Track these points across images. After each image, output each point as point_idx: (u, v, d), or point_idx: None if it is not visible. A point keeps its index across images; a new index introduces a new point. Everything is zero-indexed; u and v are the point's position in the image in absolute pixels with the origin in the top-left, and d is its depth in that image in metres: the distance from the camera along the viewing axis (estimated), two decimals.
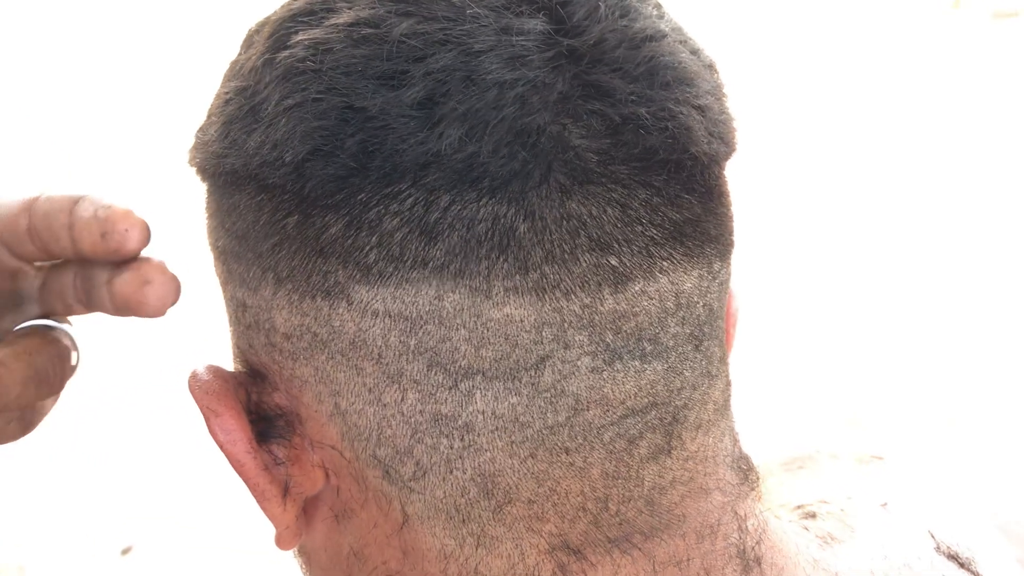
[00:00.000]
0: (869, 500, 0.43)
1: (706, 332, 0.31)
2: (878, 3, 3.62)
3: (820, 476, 0.47)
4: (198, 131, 0.32)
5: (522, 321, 0.28)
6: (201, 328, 2.15)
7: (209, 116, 0.31)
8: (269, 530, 0.32)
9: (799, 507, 0.42)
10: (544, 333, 0.28)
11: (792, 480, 0.47)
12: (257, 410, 0.32)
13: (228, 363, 0.34)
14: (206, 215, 0.33)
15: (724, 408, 0.33)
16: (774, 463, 0.49)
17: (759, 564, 0.33)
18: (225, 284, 0.32)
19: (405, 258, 0.27)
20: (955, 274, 2.30)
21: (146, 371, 2.07)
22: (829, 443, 0.51)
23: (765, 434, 0.36)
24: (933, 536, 0.41)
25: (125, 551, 1.69)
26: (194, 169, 0.32)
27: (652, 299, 0.29)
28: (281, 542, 0.33)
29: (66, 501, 1.71)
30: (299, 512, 0.32)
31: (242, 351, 0.32)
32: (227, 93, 0.30)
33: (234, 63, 0.31)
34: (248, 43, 0.31)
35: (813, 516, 0.41)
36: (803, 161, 2.85)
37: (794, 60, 3.30)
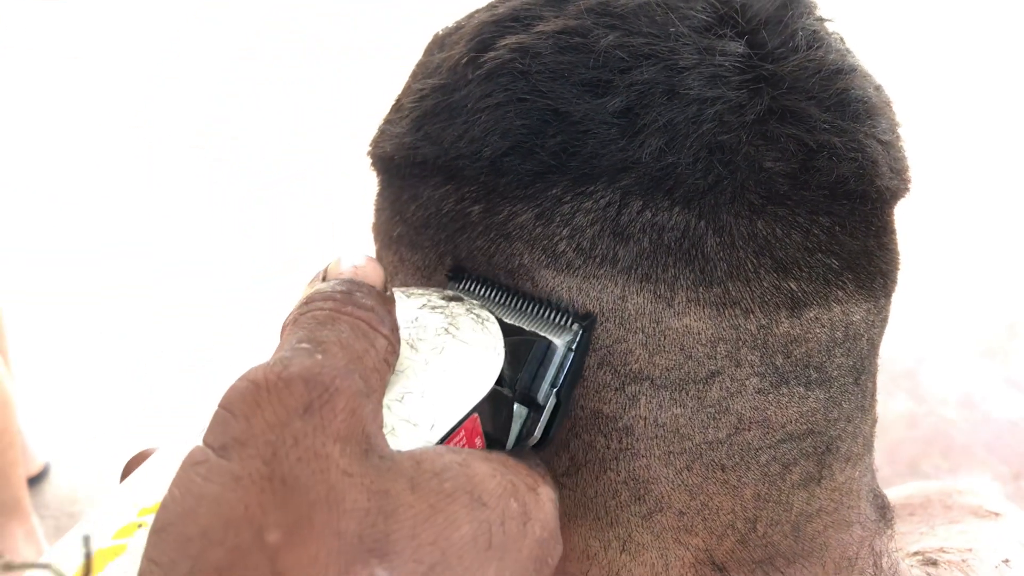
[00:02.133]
0: (991, 556, 0.44)
1: (865, 366, 0.33)
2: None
3: (934, 526, 0.48)
4: (384, 123, 0.34)
5: (699, 334, 0.29)
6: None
7: (399, 110, 0.34)
8: None
9: (917, 553, 0.44)
10: (719, 348, 0.29)
11: (904, 525, 0.49)
12: None
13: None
14: (378, 207, 0.35)
15: (870, 444, 0.35)
16: None
17: None
18: (394, 274, 0.34)
19: (595, 253, 0.29)
20: None
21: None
22: (942, 494, 0.52)
23: None
24: None
25: None
26: (372, 160, 0.35)
27: (824, 327, 0.30)
28: None
29: (174, 425, 1.79)
30: None
31: None
32: (422, 89, 0.32)
33: (426, 63, 0.34)
34: (439, 45, 0.34)
35: (934, 564, 0.42)
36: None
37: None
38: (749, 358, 0.30)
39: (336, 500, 0.21)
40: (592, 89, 0.29)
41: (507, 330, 0.30)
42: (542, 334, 0.29)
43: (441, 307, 0.29)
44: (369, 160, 0.35)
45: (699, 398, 0.30)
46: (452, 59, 0.32)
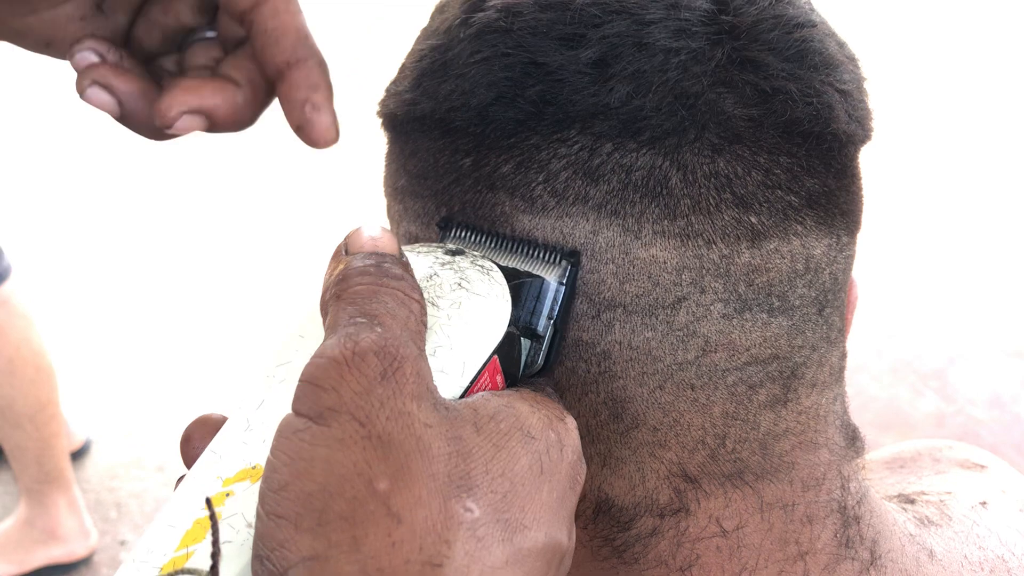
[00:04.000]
0: (969, 498, 0.47)
1: (829, 300, 0.36)
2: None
3: (921, 476, 0.52)
4: (390, 84, 0.39)
5: (665, 263, 0.33)
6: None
7: (402, 71, 0.38)
8: None
9: (899, 495, 0.47)
10: (684, 276, 0.33)
11: (893, 476, 0.52)
12: None
13: None
14: (386, 162, 0.39)
15: (839, 375, 0.39)
16: (877, 461, 0.54)
17: (858, 523, 0.38)
18: (399, 221, 0.39)
19: (568, 195, 0.33)
20: None
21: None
22: (932, 448, 0.56)
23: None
24: None
25: None
26: (381, 119, 0.39)
27: (784, 258, 0.34)
28: None
29: (212, 403, 1.90)
30: None
31: None
32: (422, 50, 0.37)
33: (427, 27, 0.38)
34: (440, 10, 0.38)
35: (912, 501, 0.46)
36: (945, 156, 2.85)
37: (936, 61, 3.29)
38: (713, 285, 0.33)
39: (424, 448, 0.25)
40: (568, 43, 0.33)
41: (503, 272, 0.33)
42: (536, 272, 0.33)
43: (449, 263, 0.33)
44: (379, 120, 0.39)
45: (668, 322, 0.34)
46: (447, 21, 0.36)
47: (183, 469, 0.30)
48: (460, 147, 0.35)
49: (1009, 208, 2.76)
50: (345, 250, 0.30)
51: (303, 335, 0.31)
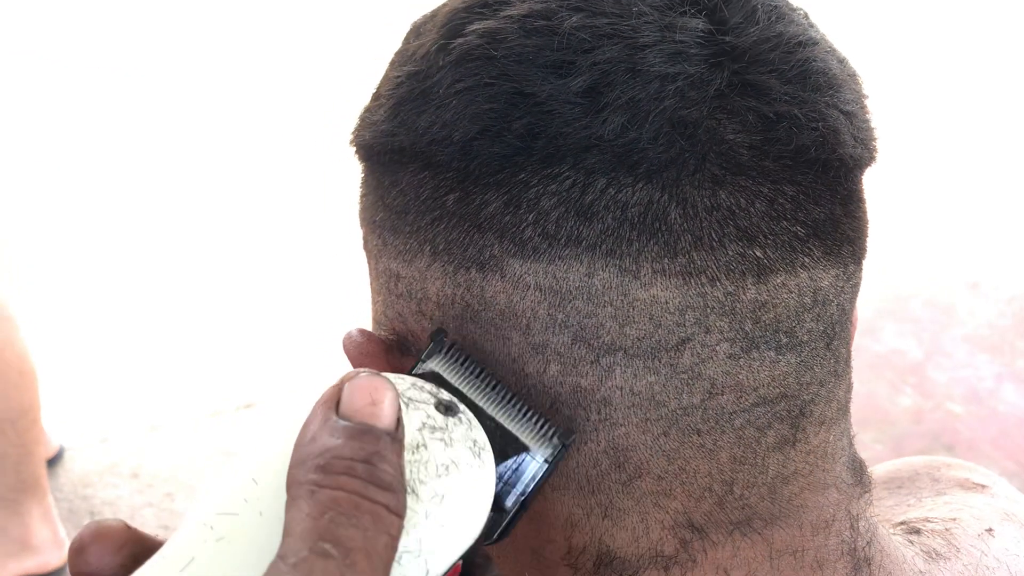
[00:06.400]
0: (975, 526, 0.45)
1: (837, 332, 0.34)
2: None
3: (921, 498, 0.50)
4: (364, 112, 0.36)
5: (667, 303, 0.31)
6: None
7: (377, 98, 0.35)
8: None
9: (902, 523, 0.45)
10: (687, 316, 0.31)
11: (891, 497, 0.50)
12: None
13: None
14: (362, 192, 0.36)
15: (845, 409, 0.36)
16: (874, 479, 0.52)
17: (868, 565, 0.36)
18: (378, 256, 0.36)
19: (559, 236, 0.30)
20: None
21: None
22: (930, 467, 0.53)
23: None
24: None
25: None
26: (355, 148, 0.36)
27: (791, 293, 0.32)
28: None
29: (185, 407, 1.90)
30: None
31: (389, 319, 0.36)
32: (398, 77, 0.34)
33: (403, 51, 0.35)
34: (416, 33, 0.35)
35: (917, 532, 0.44)
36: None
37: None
38: (718, 324, 0.31)
39: None
40: (556, 70, 0.30)
41: (487, 421, 0.30)
42: (523, 441, 0.30)
43: (441, 429, 0.29)
44: (352, 149, 0.36)
45: (672, 365, 0.31)
46: (424, 46, 0.33)
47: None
48: (443, 183, 0.32)
49: (983, 205, 2.77)
50: (337, 404, 0.26)
51: (257, 480, 0.27)
